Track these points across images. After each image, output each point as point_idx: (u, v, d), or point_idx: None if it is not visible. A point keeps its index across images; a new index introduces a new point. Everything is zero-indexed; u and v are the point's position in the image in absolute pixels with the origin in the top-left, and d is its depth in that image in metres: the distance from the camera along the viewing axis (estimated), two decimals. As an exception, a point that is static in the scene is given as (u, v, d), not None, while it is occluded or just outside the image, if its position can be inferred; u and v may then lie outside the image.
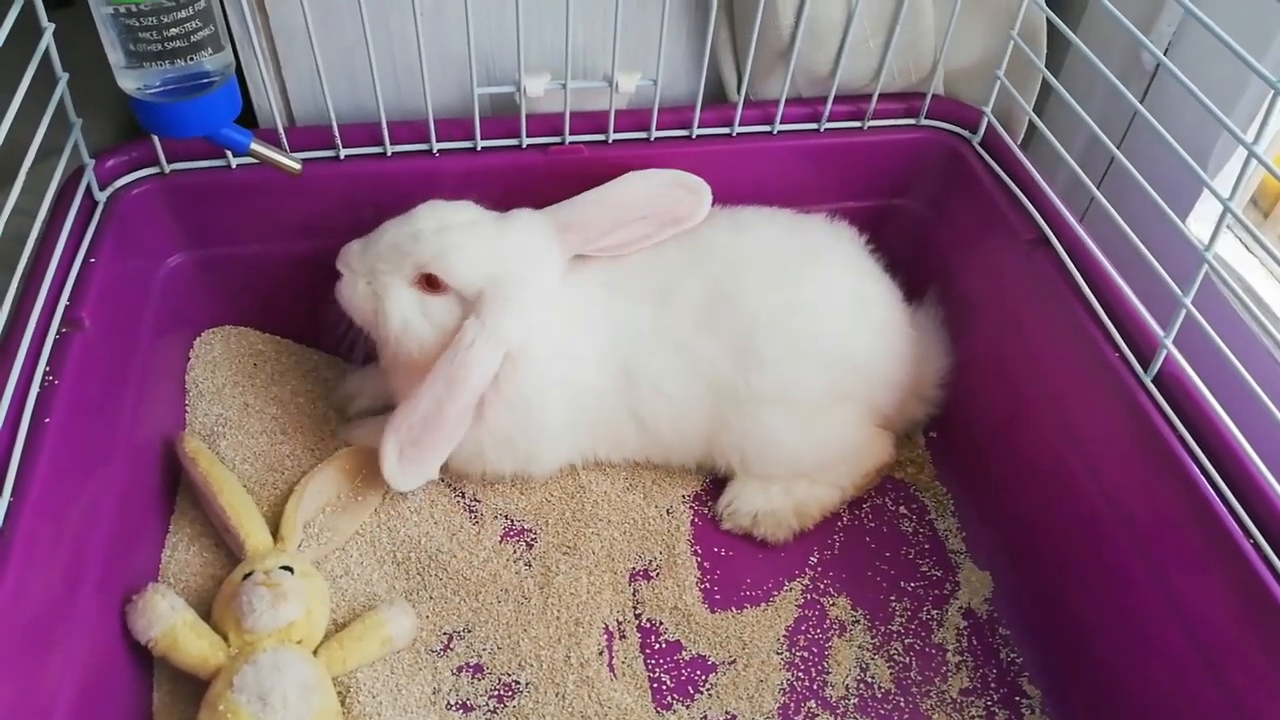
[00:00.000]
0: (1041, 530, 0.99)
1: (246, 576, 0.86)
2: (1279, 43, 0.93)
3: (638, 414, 1.02)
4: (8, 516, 0.71)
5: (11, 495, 0.72)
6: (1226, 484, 0.78)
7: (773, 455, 1.03)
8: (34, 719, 0.70)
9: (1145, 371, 0.86)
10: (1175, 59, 1.02)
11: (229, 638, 0.84)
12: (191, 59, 0.76)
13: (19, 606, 0.70)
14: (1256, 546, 0.75)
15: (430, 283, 0.93)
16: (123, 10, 0.72)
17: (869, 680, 0.94)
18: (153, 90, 0.77)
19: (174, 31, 0.73)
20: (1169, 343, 0.83)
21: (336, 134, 0.99)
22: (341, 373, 1.13)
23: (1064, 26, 0.95)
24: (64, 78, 0.84)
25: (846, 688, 0.93)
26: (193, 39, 0.74)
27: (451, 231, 0.93)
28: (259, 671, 0.79)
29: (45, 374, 0.80)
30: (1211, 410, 0.81)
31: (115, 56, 0.75)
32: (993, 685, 0.94)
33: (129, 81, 0.76)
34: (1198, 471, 0.80)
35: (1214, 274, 0.88)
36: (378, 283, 0.94)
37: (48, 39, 0.81)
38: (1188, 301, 0.80)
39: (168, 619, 0.82)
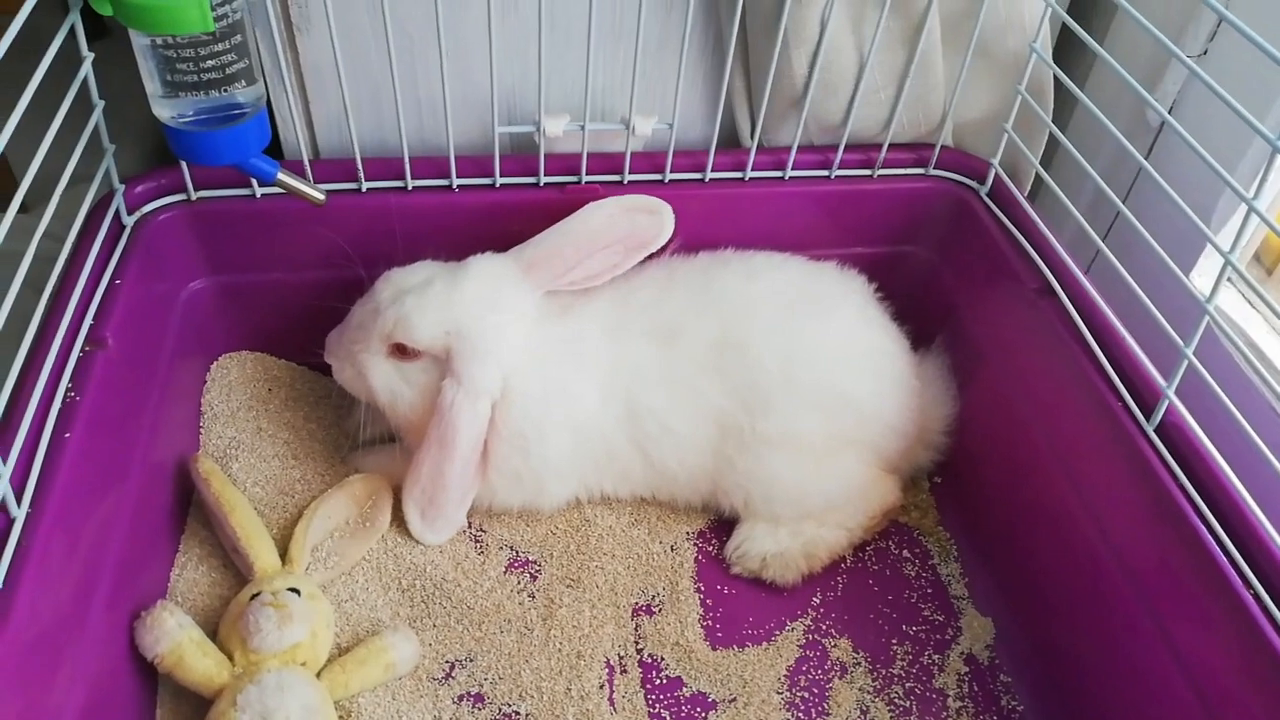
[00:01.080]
0: (1044, 577, 0.99)
1: (254, 597, 0.87)
2: (1280, 104, 0.95)
3: (643, 448, 1.03)
4: (25, 528, 0.72)
5: (30, 507, 0.73)
6: (1228, 535, 0.79)
7: (778, 496, 1.04)
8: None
9: (1148, 421, 0.87)
10: (1179, 117, 1.05)
11: (234, 657, 0.84)
12: (225, 90, 0.79)
13: (32, 617, 0.70)
14: (1257, 598, 0.75)
15: (401, 350, 0.97)
16: (160, 43, 0.75)
17: (869, 723, 0.94)
18: (186, 119, 0.80)
19: (210, 64, 0.76)
20: (1171, 393, 0.84)
21: (360, 167, 1.02)
22: (354, 401, 1.14)
23: (1070, 84, 0.98)
24: (100, 105, 0.87)
25: (846, 729, 0.93)
26: (227, 71, 0.77)
27: (407, 297, 0.96)
28: (263, 691, 0.80)
29: (67, 390, 0.82)
30: (1213, 461, 0.82)
31: (152, 86, 0.78)
32: (993, 732, 0.94)
33: (164, 110, 0.79)
34: (1199, 522, 0.81)
35: (1215, 326, 0.90)
36: (357, 363, 0.99)
37: (87, 68, 0.84)
38: (1189, 353, 0.81)
39: (175, 636, 0.83)
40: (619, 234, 1.01)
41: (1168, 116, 0.86)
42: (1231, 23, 0.76)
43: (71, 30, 0.82)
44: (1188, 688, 0.81)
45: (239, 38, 0.77)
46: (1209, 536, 0.80)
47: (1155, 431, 0.86)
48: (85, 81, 0.85)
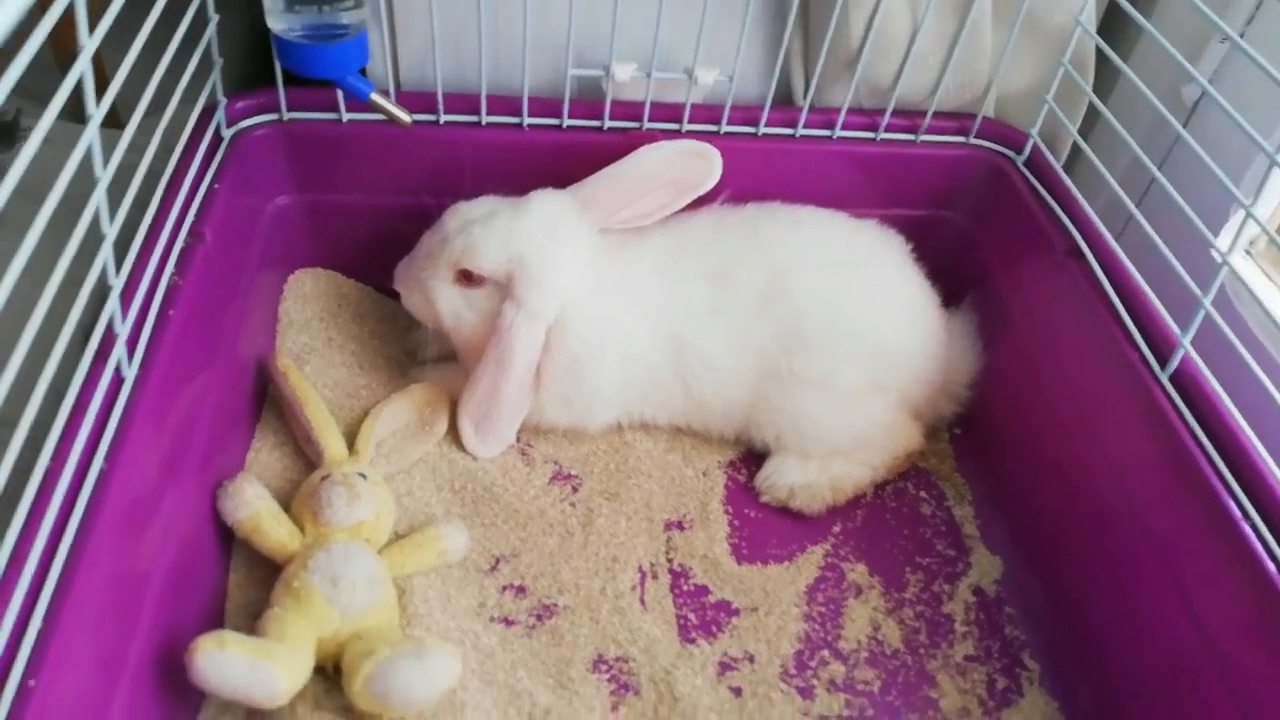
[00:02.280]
0: (1055, 521, 1.05)
1: (324, 478, 0.95)
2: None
3: (685, 381, 1.10)
4: (134, 388, 0.81)
5: (139, 370, 0.82)
6: (1235, 479, 0.84)
7: (809, 432, 1.11)
8: (134, 584, 0.78)
9: (1163, 370, 0.93)
10: (1210, 98, 1.10)
11: (305, 529, 0.92)
12: (333, 8, 0.87)
13: (137, 471, 0.78)
14: (1263, 540, 0.80)
15: (467, 277, 1.04)
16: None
17: (880, 639, 1.01)
18: (295, 34, 0.88)
19: (325, -19, 0.84)
20: (1187, 342, 0.90)
21: (440, 100, 1.09)
22: (413, 322, 1.22)
23: (1115, 56, 1.04)
24: (214, 19, 0.95)
25: (858, 642, 1.00)
26: (339, -11, 0.85)
27: (472, 227, 1.03)
28: (332, 558, 0.88)
29: (172, 275, 0.90)
30: (1225, 409, 0.87)
31: (271, 1, 0.86)
32: (995, 655, 1.01)
33: (279, 23, 0.87)
34: (1209, 467, 0.86)
35: (1233, 281, 0.96)
36: (425, 289, 1.06)
37: (207, -17, 0.92)
38: (1207, 301, 0.87)
39: (254, 504, 0.91)
40: (671, 176, 1.07)
41: (1207, 85, 0.91)
42: None
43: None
44: (1192, 629, 0.86)
45: (351, -41, 0.85)
46: (1218, 481, 0.85)
47: (1170, 380, 0.92)
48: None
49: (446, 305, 1.06)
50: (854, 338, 1.08)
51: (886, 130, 1.18)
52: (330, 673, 0.86)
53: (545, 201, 1.06)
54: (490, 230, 1.03)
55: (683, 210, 1.09)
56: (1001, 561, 1.09)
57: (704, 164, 1.08)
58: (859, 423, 1.11)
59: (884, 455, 1.13)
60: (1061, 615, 1.02)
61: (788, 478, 1.11)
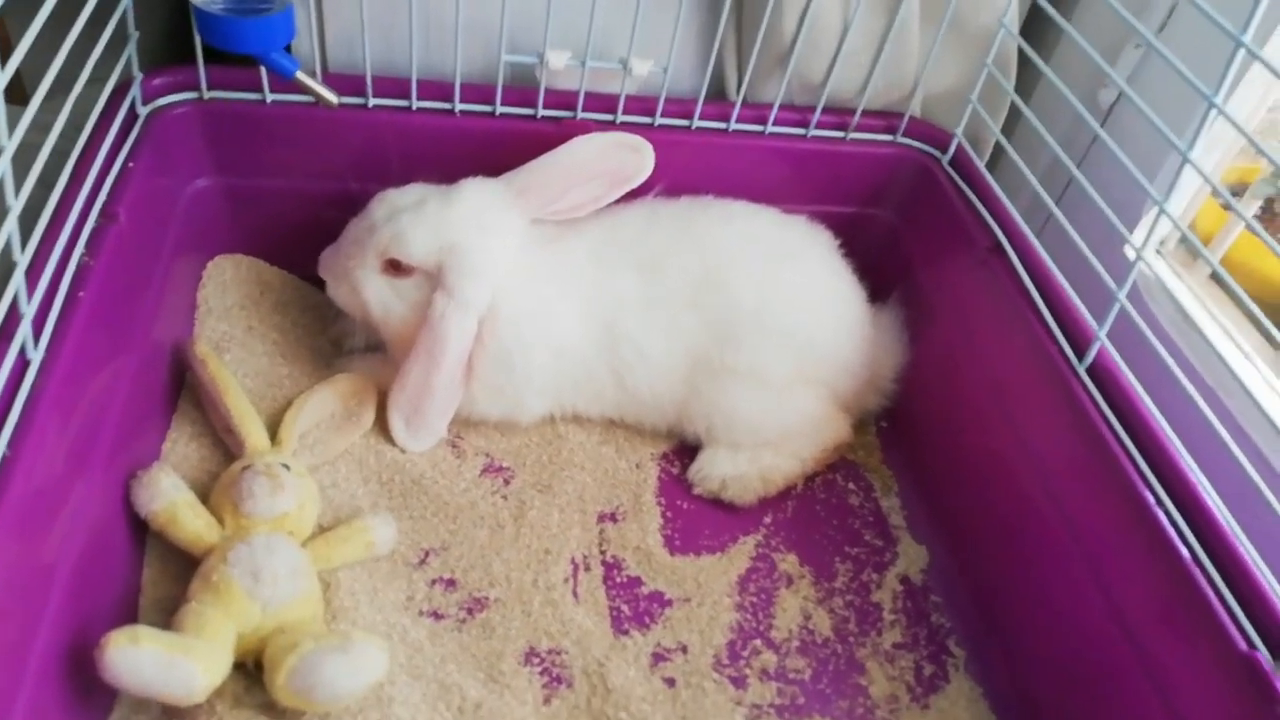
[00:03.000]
0: (978, 511, 1.08)
1: (246, 468, 0.91)
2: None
3: (617, 372, 1.10)
4: (40, 371, 0.76)
5: (45, 353, 0.77)
6: (1150, 468, 0.87)
7: (739, 424, 1.11)
8: (38, 577, 0.74)
9: (1080, 362, 0.96)
10: (1125, 102, 1.15)
11: (225, 522, 0.89)
12: (259, -19, 0.84)
13: (42, 457, 0.74)
14: (1174, 523, 0.83)
15: (395, 267, 1.02)
16: (206, -72, 0.80)
17: (811, 628, 1.02)
18: (218, 6, 0.85)
19: (250, -48, 0.81)
20: (1103, 335, 0.94)
21: (369, 83, 1.07)
22: (338, 311, 1.19)
23: (1036, 57, 1.07)
24: (131, -11, 0.91)
25: (790, 631, 1.01)
26: (264, -38, 0.82)
27: (401, 215, 1.01)
28: (253, 550, 0.84)
29: (82, 255, 0.86)
30: (1139, 399, 0.91)
31: (191, -30, 0.83)
32: (923, 643, 1.03)
33: (200, -6, 0.84)
34: (1125, 457, 0.88)
35: (1146, 278, 0.99)
36: (352, 278, 1.03)
37: (123, -48, 0.88)
38: (1122, 296, 0.90)
39: (169, 495, 0.88)
40: (605, 168, 1.07)
41: (1124, 86, 0.94)
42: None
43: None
44: (1108, 613, 0.88)
45: (277, -70, 0.82)
46: (1133, 470, 0.87)
47: (1087, 372, 0.95)
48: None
49: (374, 296, 1.04)
50: (783, 331, 1.09)
51: (817, 127, 1.20)
52: (251, 669, 0.83)
53: (476, 189, 1.04)
54: (420, 218, 1.01)
55: (616, 203, 1.09)
56: (927, 551, 1.11)
57: (637, 157, 1.07)
58: (788, 415, 1.12)
59: (813, 447, 1.14)
60: (984, 602, 1.05)
61: (719, 469, 1.11)
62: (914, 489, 1.18)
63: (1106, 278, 0.93)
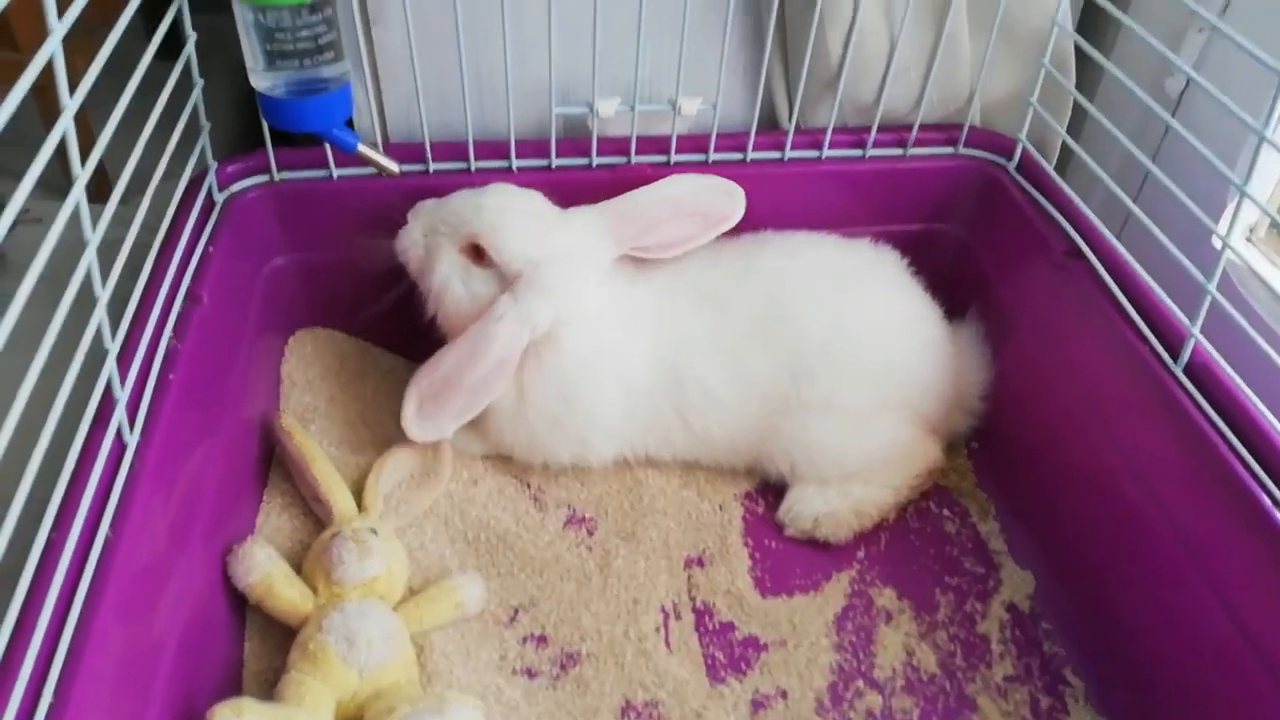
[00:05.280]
0: (1083, 530, 1.03)
1: (335, 535, 0.93)
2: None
3: (684, 415, 1.08)
4: (136, 454, 0.79)
5: (140, 436, 0.80)
6: (1260, 466, 0.82)
7: (823, 459, 1.09)
8: (146, 654, 0.76)
9: (1175, 362, 0.91)
10: (1197, 87, 1.10)
11: (318, 590, 0.90)
12: (315, 62, 0.87)
13: (143, 540, 0.76)
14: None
15: (476, 253, 1.01)
16: (263, 16, 0.84)
17: (915, 664, 0.98)
18: (279, 90, 0.88)
19: (304, 34, 0.85)
20: (1196, 331, 0.89)
21: (428, 149, 1.10)
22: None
23: (1095, 52, 1.04)
24: (199, 84, 0.96)
25: (894, 669, 0.97)
26: (319, 42, 0.86)
27: (511, 212, 1.01)
28: (346, 617, 0.85)
29: (170, 339, 0.89)
30: (1241, 394, 0.86)
31: (253, 60, 0.87)
32: (1036, 674, 0.97)
33: (261, 81, 0.88)
34: (1232, 457, 0.83)
35: (1236, 266, 0.94)
36: (433, 239, 1.02)
37: (189, 48, 0.93)
38: (1212, 288, 0.86)
39: (265, 567, 0.89)
40: (697, 207, 1.08)
41: (1193, 73, 0.91)
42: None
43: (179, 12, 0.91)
44: (1230, 625, 0.83)
45: (330, 10, 0.85)
46: (1243, 470, 0.82)
47: (1184, 371, 0.91)
48: (187, 64, 0.94)
49: (444, 267, 1.02)
50: (856, 358, 1.07)
51: (874, 146, 1.18)
52: (352, 735, 0.83)
53: (586, 219, 1.05)
54: (527, 224, 1.01)
55: None
56: (1032, 575, 1.06)
57: (730, 200, 1.09)
58: (872, 443, 1.09)
59: (904, 474, 1.11)
60: (1099, 627, 0.99)
61: (810, 507, 1.09)
62: (1012, 511, 1.13)
63: (1194, 270, 0.88)
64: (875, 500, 1.09)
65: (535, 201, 1.05)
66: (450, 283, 1.03)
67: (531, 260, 1.01)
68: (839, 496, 1.09)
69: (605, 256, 1.05)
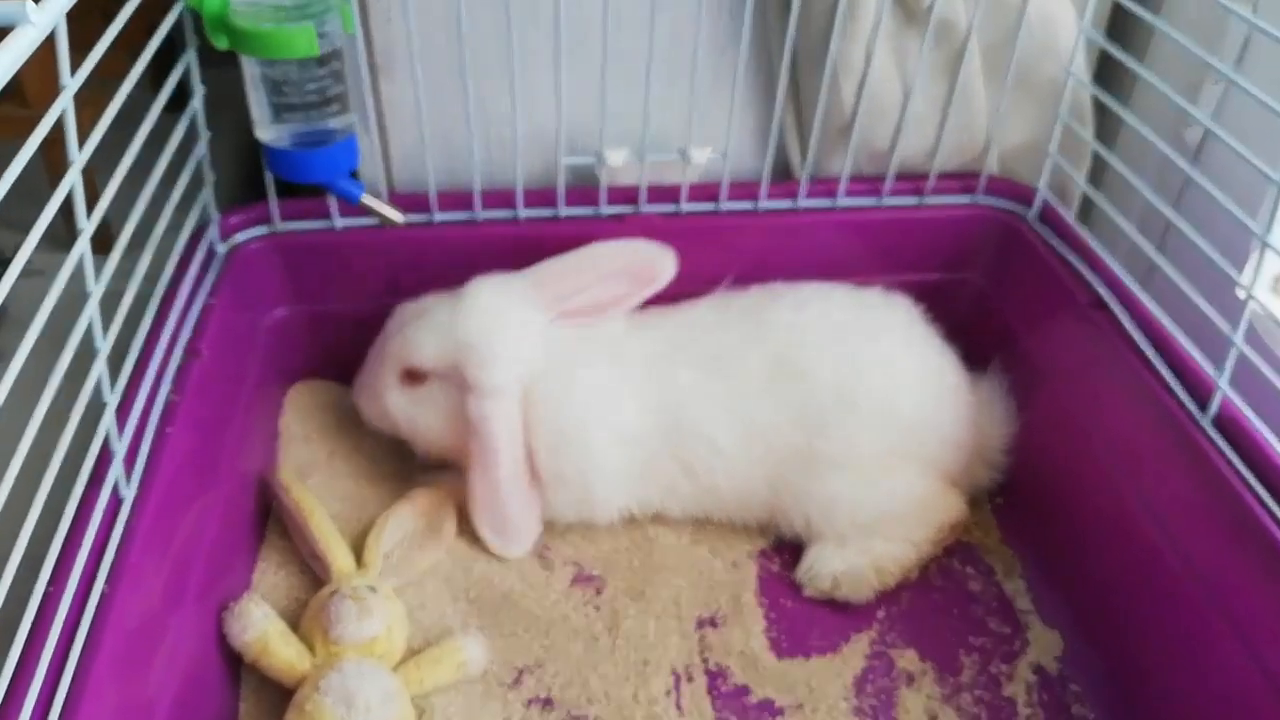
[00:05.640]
0: (1111, 587, 0.99)
1: (333, 593, 0.90)
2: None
3: (688, 464, 1.06)
4: (133, 509, 0.77)
5: (137, 490, 0.78)
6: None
7: (839, 512, 1.05)
8: (138, 713, 0.73)
9: (1203, 414, 0.88)
10: (1213, 137, 1.09)
11: (315, 649, 0.87)
12: (321, 114, 0.86)
13: (137, 596, 0.74)
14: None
15: (411, 375, 1.03)
16: (270, 69, 0.83)
17: (939, 730, 0.93)
18: (285, 142, 0.88)
19: (311, 87, 0.84)
20: (1224, 384, 0.86)
21: (433, 199, 1.09)
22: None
23: (1112, 101, 1.02)
24: (205, 136, 0.95)
25: (916, 735, 0.93)
26: (326, 94, 0.85)
27: (409, 325, 1.03)
28: (344, 677, 0.82)
29: (169, 392, 0.87)
30: (1270, 447, 0.83)
31: (259, 112, 0.86)
32: (1066, 739, 0.93)
33: (267, 133, 0.87)
34: (1263, 512, 0.80)
35: (1261, 318, 0.92)
36: (377, 396, 1.06)
37: (197, 102, 0.92)
38: (1238, 339, 0.83)
39: (261, 625, 0.86)
40: (621, 268, 1.07)
41: (1211, 125, 0.89)
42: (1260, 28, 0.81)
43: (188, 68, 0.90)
44: (1268, 687, 0.79)
45: (337, 64, 0.85)
46: (1272, 524, 0.79)
47: (1212, 424, 0.88)
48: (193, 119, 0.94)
49: (396, 408, 1.05)
50: (869, 408, 1.04)
51: (889, 195, 1.17)
52: (348, 805, 0.79)
53: (482, 287, 1.04)
54: (427, 322, 1.02)
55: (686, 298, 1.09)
56: (1060, 636, 1.02)
57: (658, 261, 1.07)
58: (890, 496, 1.06)
59: (924, 529, 1.07)
60: (1130, 690, 0.95)
61: (829, 566, 1.04)
62: (1039, 568, 1.09)
63: (1219, 320, 0.86)
64: (896, 557, 1.05)
65: (429, 299, 1.05)
66: (411, 415, 1.05)
67: (456, 346, 1.00)
68: (858, 554, 1.05)
69: (531, 310, 1.04)
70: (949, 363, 1.12)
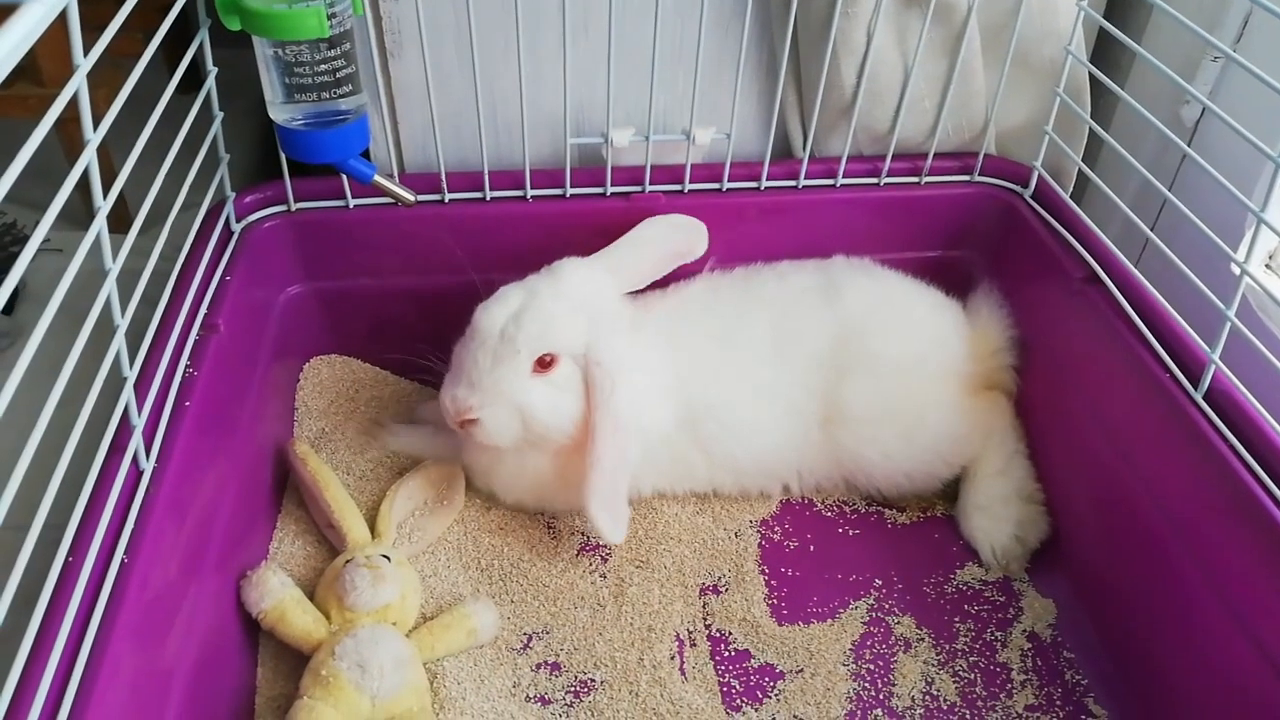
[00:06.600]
0: (1104, 557, 1.01)
1: (348, 562, 0.93)
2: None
3: (705, 447, 1.09)
4: (152, 480, 0.80)
5: (156, 463, 0.81)
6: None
7: (877, 463, 1.10)
8: (157, 680, 0.76)
9: (1195, 389, 0.90)
10: (1210, 115, 1.10)
11: (330, 615, 0.90)
12: (333, 94, 0.88)
13: (154, 570, 0.77)
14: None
15: (544, 363, 0.98)
16: (282, 50, 0.85)
17: (935, 693, 0.96)
18: (298, 122, 0.89)
19: (323, 68, 0.86)
20: (1216, 358, 0.88)
21: (444, 179, 1.11)
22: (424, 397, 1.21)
23: (1109, 82, 1.04)
24: (219, 116, 0.97)
25: (912, 699, 0.95)
26: (337, 75, 0.87)
27: (527, 313, 0.97)
28: (359, 643, 0.85)
29: (186, 366, 0.90)
30: (1263, 421, 0.85)
31: (271, 92, 0.88)
32: (1058, 703, 0.96)
33: (280, 114, 0.89)
34: (1255, 483, 0.83)
35: (1255, 293, 0.93)
36: (510, 395, 0.97)
37: (210, 82, 0.94)
38: (1231, 314, 0.85)
39: (278, 594, 0.89)
40: (672, 245, 1.10)
41: (1207, 103, 0.90)
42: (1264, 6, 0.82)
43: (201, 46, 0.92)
44: (1254, 652, 0.82)
45: (348, 45, 0.86)
46: (1265, 497, 0.81)
47: (1204, 398, 0.90)
48: (207, 96, 0.96)
49: (541, 399, 0.98)
50: (877, 349, 1.09)
51: (889, 175, 1.18)
52: (364, 764, 0.82)
53: (581, 264, 1.04)
54: (546, 308, 0.98)
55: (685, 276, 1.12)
56: (1054, 603, 1.05)
57: (698, 236, 1.12)
58: (925, 428, 1.10)
59: (984, 437, 1.12)
60: (1122, 656, 0.98)
61: (988, 536, 1.09)
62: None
63: (1213, 297, 0.88)
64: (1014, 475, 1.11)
65: (520, 289, 1.00)
66: (554, 402, 0.98)
67: (586, 320, 1.00)
68: (992, 520, 1.09)
69: (617, 297, 1.06)
70: (926, 289, 1.17)
